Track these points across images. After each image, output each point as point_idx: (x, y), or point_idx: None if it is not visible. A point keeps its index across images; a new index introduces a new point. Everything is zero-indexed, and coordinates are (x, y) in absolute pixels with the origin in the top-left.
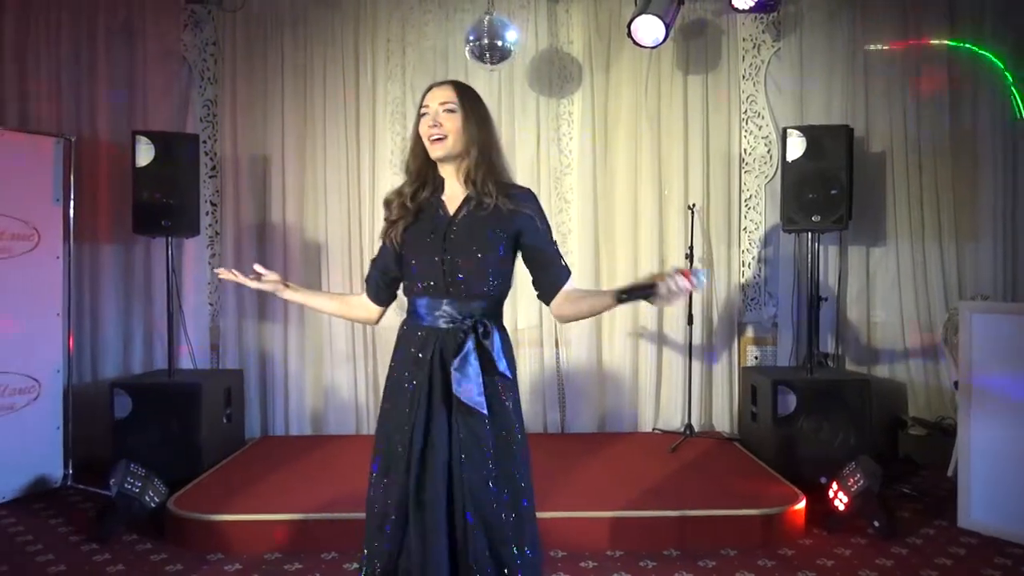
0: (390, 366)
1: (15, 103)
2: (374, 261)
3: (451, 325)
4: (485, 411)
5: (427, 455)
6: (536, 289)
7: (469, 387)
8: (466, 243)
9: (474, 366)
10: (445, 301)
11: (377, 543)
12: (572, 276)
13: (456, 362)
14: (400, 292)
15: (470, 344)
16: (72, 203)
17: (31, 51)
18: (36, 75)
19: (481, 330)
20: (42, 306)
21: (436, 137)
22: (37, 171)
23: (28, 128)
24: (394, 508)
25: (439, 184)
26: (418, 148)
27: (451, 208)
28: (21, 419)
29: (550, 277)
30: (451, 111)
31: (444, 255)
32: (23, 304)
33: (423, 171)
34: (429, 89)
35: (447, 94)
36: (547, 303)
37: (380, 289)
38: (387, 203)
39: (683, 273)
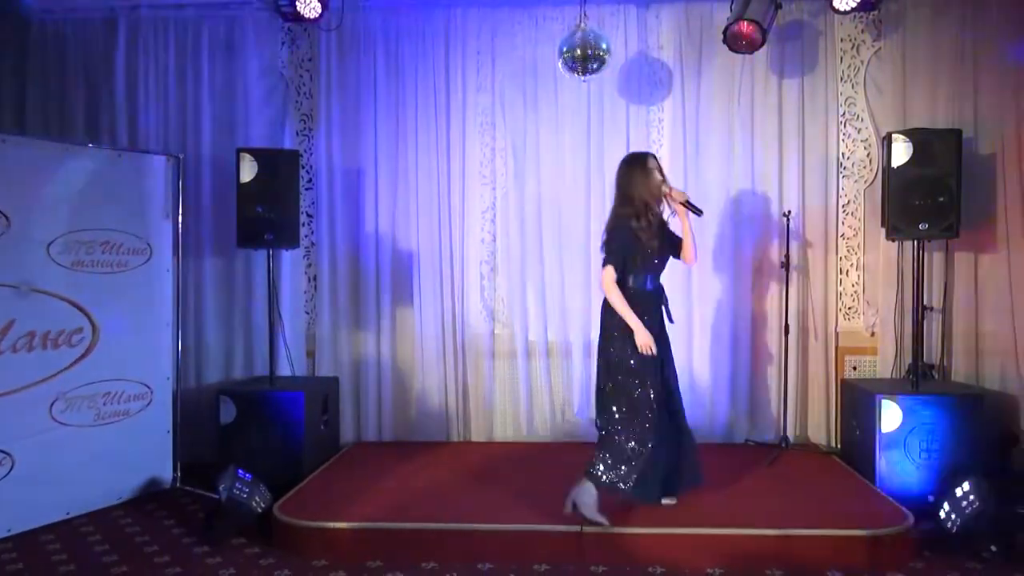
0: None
1: (125, 122)
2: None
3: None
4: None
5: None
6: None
7: None
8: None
9: None
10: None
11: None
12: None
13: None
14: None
15: None
16: (180, 217)
17: (140, 72)
18: (144, 94)
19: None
20: (154, 317)
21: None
22: (149, 188)
23: (138, 146)
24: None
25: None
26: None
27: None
28: (136, 423)
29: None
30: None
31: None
32: (138, 315)
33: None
34: (650, 156)
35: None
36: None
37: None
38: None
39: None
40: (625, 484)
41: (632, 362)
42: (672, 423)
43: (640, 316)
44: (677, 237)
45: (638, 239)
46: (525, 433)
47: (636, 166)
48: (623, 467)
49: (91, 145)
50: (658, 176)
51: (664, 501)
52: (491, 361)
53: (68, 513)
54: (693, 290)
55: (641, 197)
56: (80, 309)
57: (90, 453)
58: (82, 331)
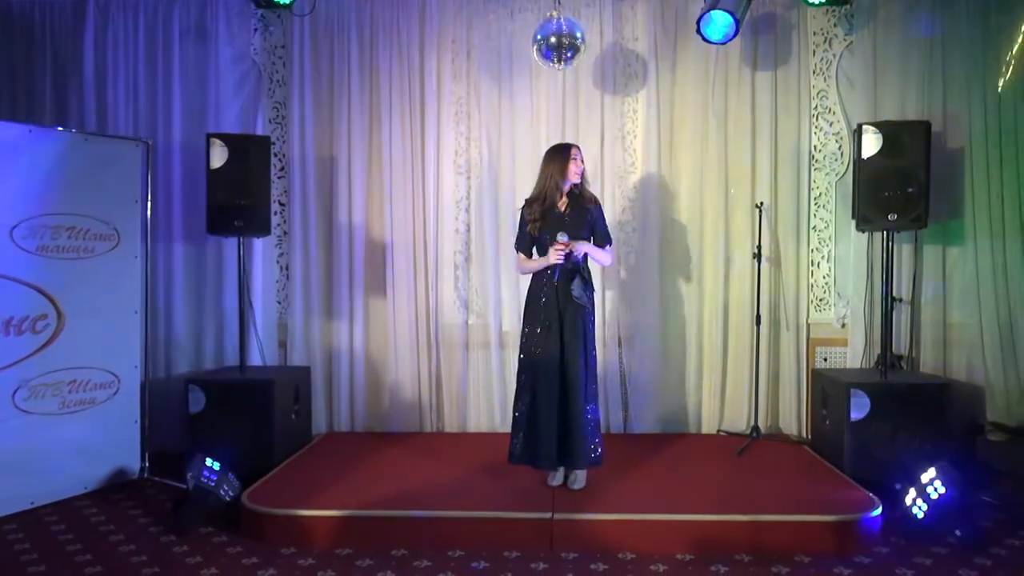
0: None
1: (94, 107)
2: (523, 239)
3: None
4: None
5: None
6: None
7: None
8: (572, 226)
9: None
10: None
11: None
12: (612, 243)
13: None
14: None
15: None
16: (149, 204)
17: (110, 56)
18: (114, 79)
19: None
20: (122, 304)
21: (579, 172)
22: (118, 173)
23: (107, 131)
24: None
25: (556, 196)
26: (558, 175)
27: (561, 208)
28: (102, 413)
29: (599, 240)
30: (582, 160)
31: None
32: (105, 302)
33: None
34: (571, 147)
35: (579, 152)
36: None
37: (530, 250)
38: (529, 207)
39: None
40: (514, 451)
41: (521, 335)
42: (563, 397)
43: (537, 294)
44: (598, 224)
45: (526, 224)
46: (498, 424)
47: (546, 155)
48: (513, 436)
49: (58, 128)
50: (562, 166)
51: (553, 482)
52: (465, 352)
53: (32, 503)
54: (664, 281)
55: (537, 185)
56: (45, 295)
57: (55, 442)
58: (47, 317)
